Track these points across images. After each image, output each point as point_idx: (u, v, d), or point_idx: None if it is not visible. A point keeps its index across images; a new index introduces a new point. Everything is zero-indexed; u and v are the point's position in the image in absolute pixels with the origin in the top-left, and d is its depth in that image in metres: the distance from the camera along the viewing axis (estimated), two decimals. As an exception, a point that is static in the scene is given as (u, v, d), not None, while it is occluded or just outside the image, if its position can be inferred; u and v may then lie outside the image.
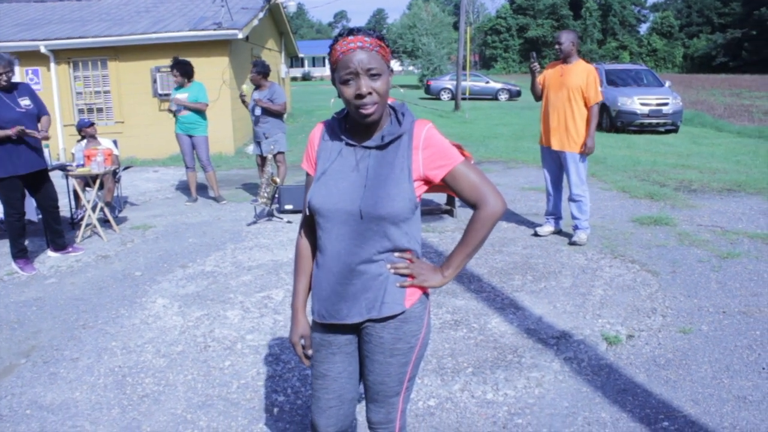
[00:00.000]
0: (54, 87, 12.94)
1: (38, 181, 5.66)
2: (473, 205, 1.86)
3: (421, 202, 1.90)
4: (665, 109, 14.87)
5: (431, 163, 1.81)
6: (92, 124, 7.71)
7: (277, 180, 7.23)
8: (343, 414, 2.00)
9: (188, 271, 5.46)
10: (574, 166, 5.78)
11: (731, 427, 2.92)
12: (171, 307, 4.64)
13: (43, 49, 12.60)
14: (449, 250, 5.78)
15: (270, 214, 7.16)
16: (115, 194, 7.75)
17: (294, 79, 51.73)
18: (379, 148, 1.83)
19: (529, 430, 2.96)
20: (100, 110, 13.20)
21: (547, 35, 71.28)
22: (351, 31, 1.77)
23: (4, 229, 5.77)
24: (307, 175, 1.96)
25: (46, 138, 5.71)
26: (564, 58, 5.78)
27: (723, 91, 31.42)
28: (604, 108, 14.97)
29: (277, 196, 7.44)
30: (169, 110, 7.99)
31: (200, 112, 7.89)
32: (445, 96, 30.31)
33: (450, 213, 7.22)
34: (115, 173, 7.50)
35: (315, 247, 1.97)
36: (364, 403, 2.14)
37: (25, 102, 5.45)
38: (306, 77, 64.03)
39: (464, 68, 23.69)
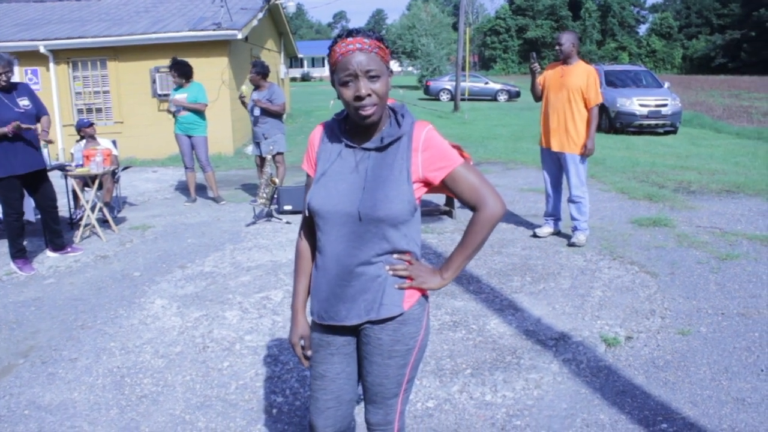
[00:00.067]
0: (53, 87, 12.94)
1: (37, 181, 5.66)
2: (473, 208, 1.86)
3: (420, 203, 1.90)
4: (664, 111, 14.88)
5: (430, 165, 1.81)
6: (91, 125, 7.71)
7: (276, 181, 7.23)
8: (341, 415, 2.00)
9: (187, 272, 5.45)
10: (574, 167, 5.79)
11: (730, 429, 2.92)
12: (170, 307, 4.64)
13: (42, 49, 12.59)
14: (448, 252, 5.78)
15: (269, 215, 7.16)
16: (114, 194, 7.75)
17: (293, 79, 51.76)
18: (379, 149, 1.83)
19: (528, 431, 2.96)
20: (99, 110, 13.19)
21: (546, 36, 71.34)
22: (350, 33, 1.76)
23: (3, 229, 5.77)
24: (308, 176, 1.96)
25: (50, 141, 5.70)
26: (564, 59, 5.78)
27: (722, 92, 31.44)
28: (603, 109, 14.98)
29: (276, 196, 7.44)
30: (168, 111, 7.99)
31: (199, 113, 7.89)
32: (444, 97, 30.31)
33: (449, 214, 7.22)
34: (114, 173, 7.50)
35: (315, 248, 1.97)
36: (363, 404, 2.13)
37: (24, 102, 5.44)
38: (305, 78, 64.05)
39: (463, 69, 23.70)
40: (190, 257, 5.87)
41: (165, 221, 7.34)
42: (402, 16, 54.11)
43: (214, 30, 12.39)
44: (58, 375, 3.64)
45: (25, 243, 5.70)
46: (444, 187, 1.87)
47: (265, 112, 7.57)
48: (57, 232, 5.95)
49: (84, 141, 7.60)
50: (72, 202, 7.42)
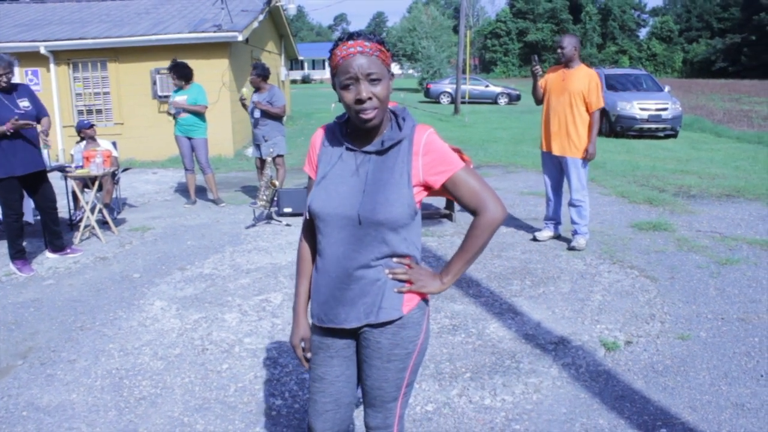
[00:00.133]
0: (53, 88, 12.94)
1: (37, 182, 5.66)
2: (473, 212, 1.86)
3: (421, 207, 1.90)
4: (665, 114, 14.88)
5: (431, 169, 1.81)
6: (92, 126, 7.71)
7: (276, 183, 7.22)
8: (340, 418, 2.00)
9: (186, 274, 5.45)
10: (576, 171, 5.78)
11: (729, 434, 2.92)
12: (169, 309, 4.63)
13: (42, 50, 12.60)
14: (448, 255, 5.78)
15: (269, 217, 7.16)
16: (114, 196, 7.75)
17: (294, 81, 51.77)
18: (379, 153, 1.82)
19: (527, 435, 2.96)
20: (99, 111, 13.20)
21: (546, 39, 71.41)
22: (351, 36, 1.76)
23: (2, 230, 5.76)
24: (309, 178, 1.96)
25: (48, 144, 5.69)
26: (566, 63, 5.78)
27: (722, 96, 31.46)
28: (603, 113, 14.98)
29: (276, 199, 7.43)
30: (168, 113, 7.99)
31: (199, 115, 7.89)
32: (444, 99, 30.32)
33: (449, 217, 7.22)
34: (114, 175, 7.50)
35: (316, 251, 1.97)
36: (362, 407, 2.13)
37: (24, 103, 5.44)
38: (306, 80, 64.07)
39: (464, 72, 23.72)
40: (189, 259, 5.87)
41: (165, 223, 7.34)
42: (402, 18, 54.12)
43: (214, 32, 12.40)
44: (56, 376, 3.63)
45: (24, 244, 5.70)
46: (444, 191, 1.87)
47: (266, 114, 7.57)
48: (56, 234, 5.94)
49: (84, 142, 7.60)
50: (72, 204, 7.42)
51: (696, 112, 21.48)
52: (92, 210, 6.68)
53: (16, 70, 6.07)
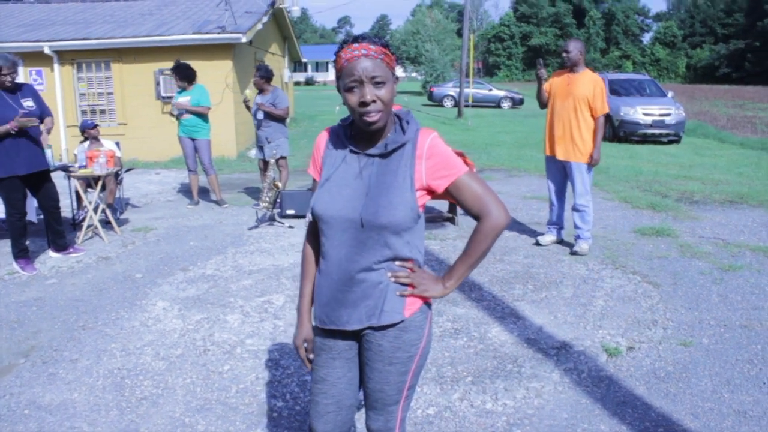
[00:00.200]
0: (57, 88, 12.97)
1: (40, 182, 5.67)
2: (476, 217, 1.85)
3: (424, 210, 1.90)
4: (668, 120, 14.87)
5: (434, 173, 1.81)
6: (95, 126, 7.73)
7: (279, 184, 7.23)
8: (341, 420, 2.00)
9: (189, 274, 5.45)
10: (580, 176, 5.78)
11: (731, 441, 2.91)
12: (171, 309, 4.63)
13: (47, 50, 12.63)
14: (451, 259, 5.78)
15: (271, 219, 7.16)
16: (117, 196, 7.76)
17: (297, 83, 51.82)
18: (383, 156, 1.82)
19: (528, 440, 2.96)
20: (103, 112, 13.23)
21: (550, 43, 71.49)
22: (356, 39, 1.76)
23: (6, 229, 5.77)
24: (314, 180, 1.97)
25: (46, 143, 5.69)
26: (571, 67, 5.78)
27: (726, 102, 31.44)
28: (607, 118, 14.97)
29: (278, 200, 7.44)
30: (171, 114, 8.00)
31: (202, 116, 7.90)
32: (447, 103, 30.33)
33: (452, 221, 7.22)
34: (117, 175, 7.51)
35: (319, 253, 1.97)
36: (364, 410, 2.13)
37: (27, 103, 5.45)
38: (309, 82, 64.12)
39: (467, 75, 23.72)
40: (192, 260, 5.87)
41: (167, 223, 7.34)
42: (406, 21, 54.17)
43: (218, 33, 12.42)
44: (58, 375, 3.64)
45: (27, 243, 5.71)
46: (447, 195, 1.87)
47: (269, 115, 7.58)
48: (59, 233, 5.95)
49: (88, 142, 7.61)
50: (75, 203, 7.43)
51: (699, 117, 21.46)
52: (95, 210, 6.69)
53: (21, 69, 6.09)
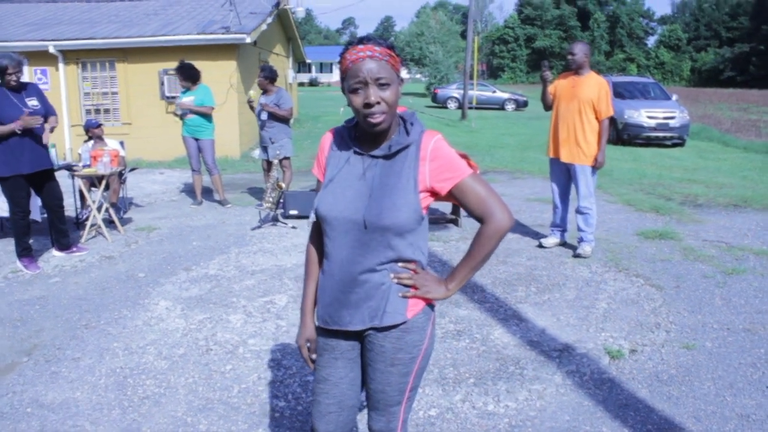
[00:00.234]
0: (62, 87, 13.01)
1: (44, 181, 5.68)
2: (480, 219, 1.85)
3: (427, 212, 1.90)
4: (672, 123, 14.85)
5: (438, 175, 1.81)
6: (100, 125, 7.74)
7: (283, 185, 7.24)
8: (343, 420, 2.00)
9: (192, 274, 5.46)
10: (584, 178, 5.77)
11: (734, 445, 2.90)
12: (174, 309, 4.64)
13: (52, 50, 12.67)
14: (454, 260, 5.78)
15: (275, 219, 7.17)
16: (121, 195, 7.77)
17: (301, 84, 51.83)
18: (386, 157, 1.83)
19: (530, 442, 2.95)
20: (107, 111, 13.26)
21: (554, 46, 71.48)
22: (361, 40, 1.77)
23: (9, 228, 5.78)
24: (318, 181, 1.97)
25: (47, 140, 5.69)
26: (576, 70, 5.77)
27: (730, 105, 31.38)
28: (611, 120, 14.97)
29: (282, 201, 7.45)
30: (175, 114, 8.02)
31: (206, 116, 7.91)
32: (451, 105, 30.36)
33: (455, 222, 7.22)
34: (120, 174, 7.53)
35: (323, 253, 1.97)
36: (366, 411, 2.13)
37: (32, 102, 5.47)
38: (313, 83, 64.14)
39: (471, 77, 23.72)
40: (195, 260, 5.88)
41: (171, 223, 7.36)
42: (411, 23, 54.21)
43: (223, 33, 12.44)
44: (61, 374, 3.64)
45: (31, 242, 5.72)
46: (451, 197, 1.87)
47: (273, 116, 7.59)
48: (63, 232, 5.96)
49: (92, 141, 7.63)
50: (78, 202, 7.45)
51: (703, 121, 21.43)
52: (99, 209, 6.70)
53: (26, 69, 6.11)
